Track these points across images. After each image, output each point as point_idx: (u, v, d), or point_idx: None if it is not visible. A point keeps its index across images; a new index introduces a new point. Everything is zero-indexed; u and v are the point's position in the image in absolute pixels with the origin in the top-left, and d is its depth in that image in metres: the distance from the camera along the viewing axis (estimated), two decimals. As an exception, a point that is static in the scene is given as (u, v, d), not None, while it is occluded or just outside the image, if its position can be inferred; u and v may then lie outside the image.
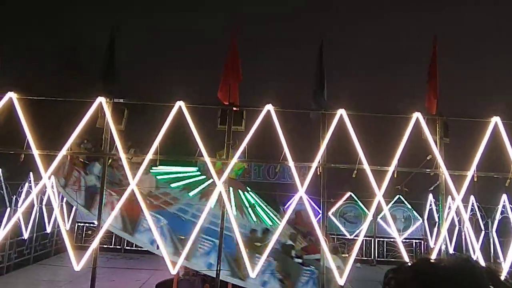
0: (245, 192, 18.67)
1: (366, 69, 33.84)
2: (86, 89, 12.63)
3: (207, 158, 11.43)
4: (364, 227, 13.09)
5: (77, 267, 11.02)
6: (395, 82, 32.04)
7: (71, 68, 32.28)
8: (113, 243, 25.33)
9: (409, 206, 26.10)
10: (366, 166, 11.24)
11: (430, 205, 24.69)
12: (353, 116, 11.51)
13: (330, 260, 11.24)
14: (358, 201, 26.02)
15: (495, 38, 33.52)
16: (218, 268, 11.32)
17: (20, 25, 33.06)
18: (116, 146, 11.29)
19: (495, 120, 11.17)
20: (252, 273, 11.63)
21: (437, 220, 22.32)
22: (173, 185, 16.91)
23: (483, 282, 1.25)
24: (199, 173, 18.80)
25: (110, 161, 11.85)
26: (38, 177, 12.34)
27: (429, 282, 1.26)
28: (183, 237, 13.04)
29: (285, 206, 21.68)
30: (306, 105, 12.62)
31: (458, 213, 15.08)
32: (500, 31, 32.89)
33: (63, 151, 10.99)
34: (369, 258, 24.67)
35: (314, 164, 11.39)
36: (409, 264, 1.36)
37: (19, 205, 18.33)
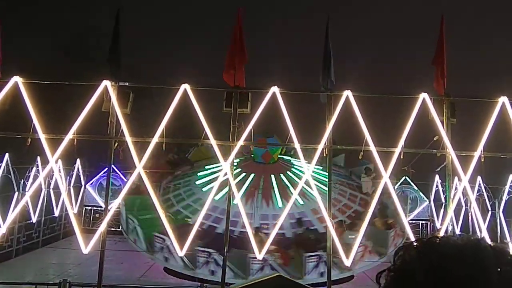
0: (281, 174, 18.54)
1: (372, 50, 33.62)
2: (92, 73, 12.63)
3: (213, 141, 11.44)
4: (371, 208, 13.07)
5: (86, 250, 11.11)
6: (402, 63, 31.85)
7: (77, 53, 32.27)
8: (121, 226, 25.46)
9: (416, 187, 26.04)
10: (372, 147, 11.22)
11: (437, 186, 24.64)
12: (360, 98, 11.46)
13: (336, 241, 11.28)
14: (365, 183, 25.99)
15: (502, 17, 33.17)
16: (226, 248, 11.38)
17: (26, 11, 32.97)
18: (122, 129, 11.30)
19: (503, 100, 11.09)
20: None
21: (443, 201, 22.30)
22: (217, 197, 16.85)
23: (491, 261, 1.24)
24: (239, 169, 18.85)
25: (116, 145, 11.86)
26: (45, 161, 12.40)
27: (437, 264, 1.25)
28: None
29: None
30: (312, 86, 12.57)
31: (464, 193, 15.07)
32: (508, 10, 32.51)
33: (69, 135, 11.01)
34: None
35: (320, 146, 11.38)
36: (417, 243, 1.36)
37: (27, 189, 18.43)
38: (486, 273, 1.21)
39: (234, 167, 18.51)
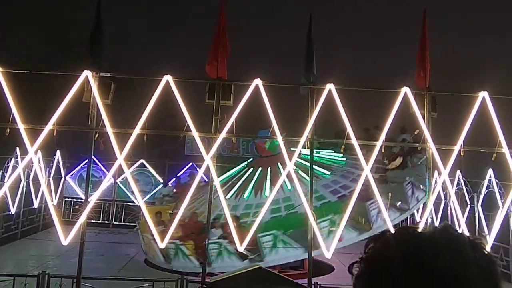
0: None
1: (356, 43, 33.76)
2: (73, 64, 12.49)
3: (195, 133, 11.38)
4: (352, 201, 13.15)
5: (65, 241, 11.01)
6: (385, 57, 32.04)
7: (58, 44, 31.88)
8: (101, 218, 25.38)
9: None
10: (354, 140, 11.27)
11: (417, 179, 24.85)
12: (342, 91, 11.48)
13: (317, 232, 11.34)
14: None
15: (484, 11, 33.51)
16: (207, 243, 11.36)
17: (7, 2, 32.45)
18: (103, 120, 11.17)
19: (483, 94, 11.20)
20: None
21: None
22: (227, 196, 16.89)
23: (465, 251, 1.25)
24: (246, 168, 19.05)
25: (97, 136, 11.73)
26: (24, 152, 12.24)
27: (409, 251, 1.25)
28: None
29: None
30: (295, 79, 12.57)
31: (444, 187, 15.22)
32: (489, 5, 32.86)
33: (49, 126, 10.87)
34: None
35: (303, 139, 11.39)
36: (390, 233, 1.36)
37: (5, 180, 18.21)
38: (462, 263, 1.22)
39: (244, 169, 18.72)
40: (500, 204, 17.82)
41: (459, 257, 1.23)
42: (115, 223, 25.44)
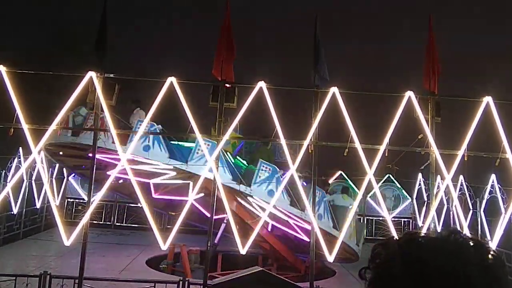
0: None
1: (361, 46, 33.76)
2: (75, 65, 12.50)
3: (198, 135, 11.39)
4: (354, 205, 13.14)
5: (67, 242, 11.02)
6: (390, 60, 32.02)
7: (63, 45, 31.96)
8: (103, 219, 25.36)
9: (399, 186, 26.23)
10: (357, 144, 11.24)
11: (420, 184, 24.86)
12: (346, 94, 11.46)
13: (320, 238, 11.32)
14: (348, 180, 26.04)
15: (488, 16, 33.47)
16: (209, 242, 11.35)
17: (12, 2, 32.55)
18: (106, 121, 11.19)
19: (487, 100, 11.17)
20: None
21: (426, 199, 22.51)
22: None
23: (471, 256, 1.25)
24: None
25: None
26: (27, 152, 12.26)
27: (414, 254, 1.26)
28: None
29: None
30: (299, 82, 12.55)
31: (447, 192, 15.20)
32: (494, 10, 32.83)
33: (53, 126, 10.89)
34: (358, 236, 24.88)
35: (306, 142, 11.37)
36: (397, 238, 1.36)
37: (8, 180, 18.22)
38: (466, 265, 1.22)
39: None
40: (502, 210, 17.81)
41: (464, 261, 1.23)
42: (117, 224, 25.43)
